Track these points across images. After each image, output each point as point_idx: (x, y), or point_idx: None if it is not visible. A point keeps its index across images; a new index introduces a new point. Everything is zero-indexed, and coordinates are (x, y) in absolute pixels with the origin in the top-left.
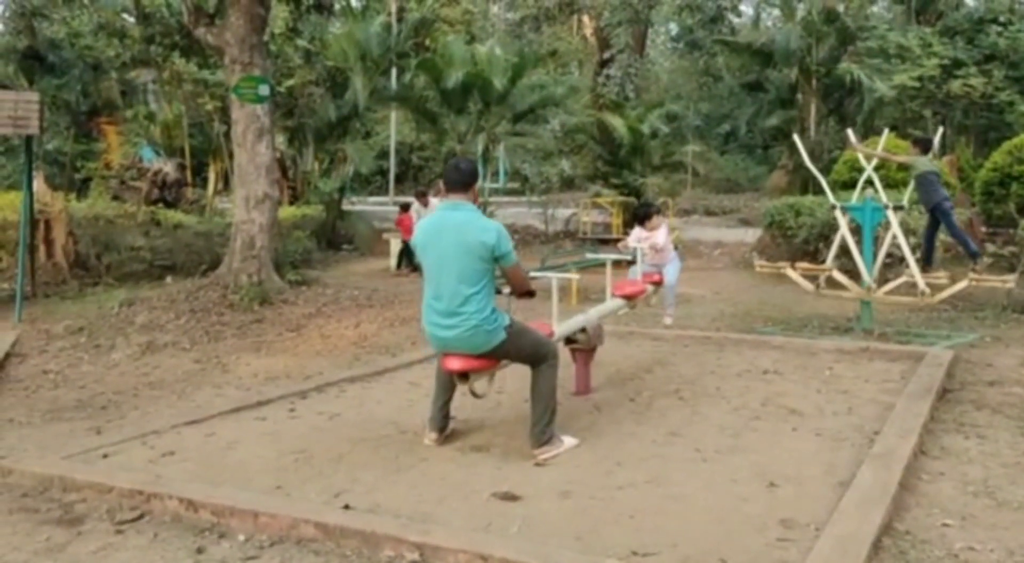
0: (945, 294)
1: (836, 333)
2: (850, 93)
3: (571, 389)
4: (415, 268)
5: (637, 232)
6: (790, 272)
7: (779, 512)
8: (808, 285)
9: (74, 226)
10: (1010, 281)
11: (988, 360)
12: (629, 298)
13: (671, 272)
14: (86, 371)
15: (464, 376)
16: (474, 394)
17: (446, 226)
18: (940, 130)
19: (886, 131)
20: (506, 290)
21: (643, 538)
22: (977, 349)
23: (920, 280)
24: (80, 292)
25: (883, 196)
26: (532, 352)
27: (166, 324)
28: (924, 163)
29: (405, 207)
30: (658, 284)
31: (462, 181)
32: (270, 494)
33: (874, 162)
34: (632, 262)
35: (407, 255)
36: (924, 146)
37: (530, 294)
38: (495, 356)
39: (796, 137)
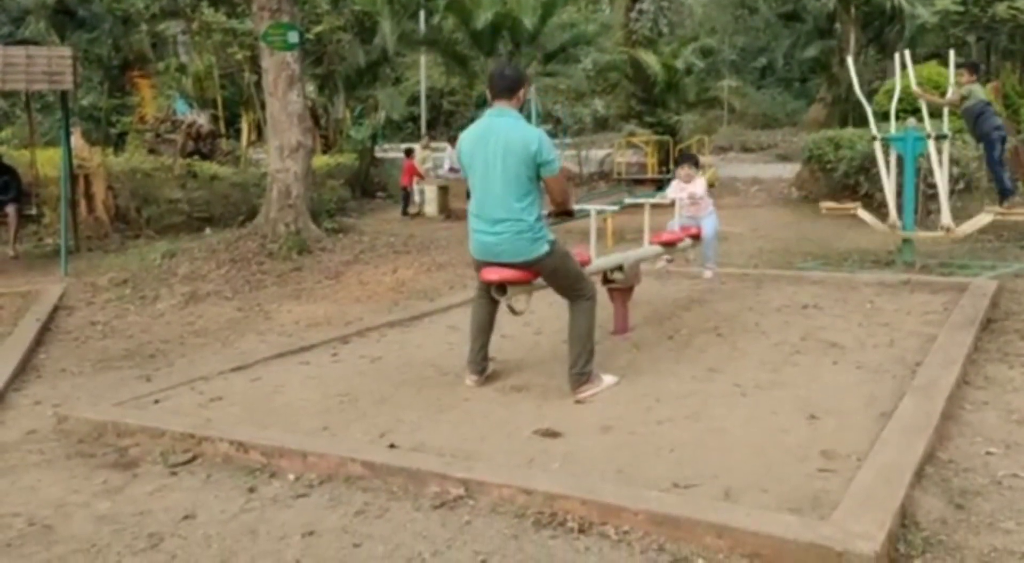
0: (967, 228)
1: (877, 267)
2: (890, 20)
3: (609, 329)
4: (409, 214)
5: (675, 184)
6: (862, 213)
7: (820, 443)
8: (881, 225)
9: (113, 180)
10: None
11: None
12: (667, 245)
13: (709, 225)
14: (133, 321)
15: (502, 289)
16: (512, 310)
17: (491, 133)
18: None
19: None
20: (544, 212)
21: (684, 470)
22: (1022, 279)
23: (946, 215)
24: (122, 245)
25: (928, 124)
26: (571, 281)
27: (207, 274)
28: (979, 92)
29: (409, 152)
30: (696, 238)
31: (508, 87)
32: (317, 435)
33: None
34: (663, 183)
35: (404, 201)
36: (976, 70)
37: (569, 214)
38: (535, 269)
39: (849, 60)
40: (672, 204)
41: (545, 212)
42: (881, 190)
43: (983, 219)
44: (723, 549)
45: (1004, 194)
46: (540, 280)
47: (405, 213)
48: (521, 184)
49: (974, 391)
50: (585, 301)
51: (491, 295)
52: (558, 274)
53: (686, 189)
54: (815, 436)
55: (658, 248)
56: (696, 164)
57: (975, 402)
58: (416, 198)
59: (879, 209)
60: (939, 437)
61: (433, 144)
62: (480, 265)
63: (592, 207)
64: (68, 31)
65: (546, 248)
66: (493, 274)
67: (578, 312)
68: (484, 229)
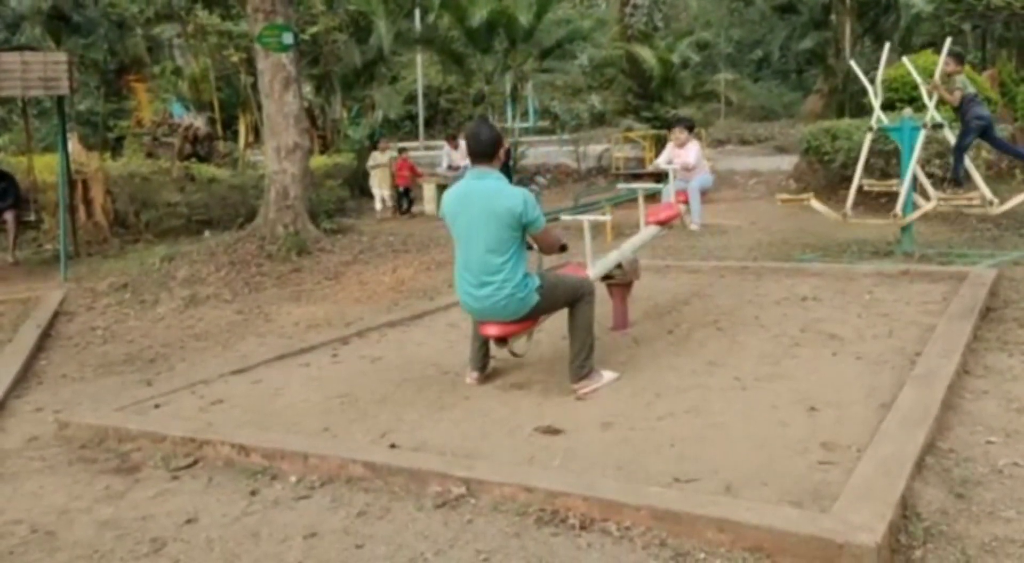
0: (914, 216)
1: (876, 257)
2: (886, 11)
3: (609, 325)
4: (404, 211)
5: (667, 152)
6: (815, 203)
7: (820, 436)
8: (833, 215)
9: (111, 185)
10: (975, 199)
11: None
12: (663, 223)
13: (696, 181)
14: (133, 326)
15: (502, 340)
16: (513, 354)
17: (473, 195)
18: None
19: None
20: (536, 247)
21: (685, 465)
22: (1021, 267)
23: (900, 204)
24: (121, 250)
25: (935, 113)
26: (569, 299)
27: (207, 277)
28: (965, 82)
29: (401, 151)
30: (688, 202)
31: (484, 152)
32: (318, 436)
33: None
34: (664, 177)
35: (399, 200)
36: (961, 59)
37: (562, 249)
38: (531, 318)
39: (853, 63)
40: (665, 175)
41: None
42: (881, 179)
43: (928, 206)
44: (725, 543)
45: (956, 182)
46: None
47: (404, 212)
48: (504, 244)
49: (974, 380)
50: (584, 301)
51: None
52: (556, 304)
53: (680, 157)
54: (815, 428)
55: (655, 229)
56: (691, 127)
57: (975, 391)
58: (383, 201)
59: (878, 199)
60: (939, 427)
61: (429, 143)
62: (476, 321)
63: (584, 218)
64: (64, 36)
65: (536, 298)
66: (492, 330)
67: (577, 310)
68: (471, 292)
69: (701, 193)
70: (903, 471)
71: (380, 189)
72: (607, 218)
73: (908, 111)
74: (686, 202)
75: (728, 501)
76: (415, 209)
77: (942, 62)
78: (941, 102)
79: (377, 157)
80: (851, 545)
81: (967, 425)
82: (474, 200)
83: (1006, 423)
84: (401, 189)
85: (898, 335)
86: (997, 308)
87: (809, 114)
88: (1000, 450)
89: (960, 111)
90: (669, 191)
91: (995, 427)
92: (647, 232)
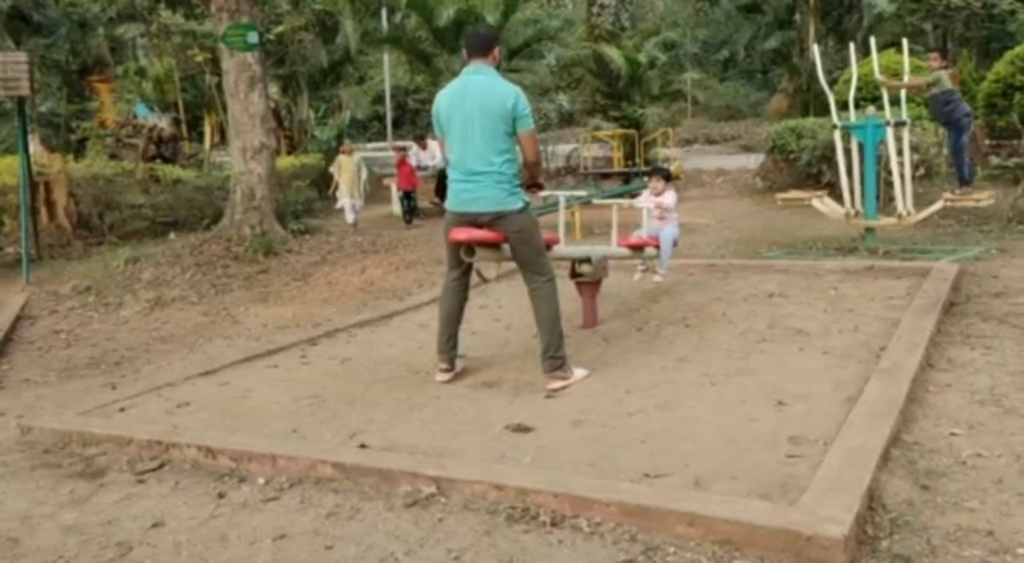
0: (921, 216)
1: (841, 254)
2: (849, 10)
3: (579, 323)
4: (409, 220)
5: (646, 195)
6: (816, 203)
7: (788, 429)
8: (839, 214)
9: (74, 187)
10: (983, 199)
11: (994, 272)
12: (633, 249)
13: (668, 232)
14: (97, 329)
15: (471, 250)
16: (481, 276)
17: (468, 90)
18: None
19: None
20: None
21: (655, 461)
22: (983, 262)
23: (900, 202)
24: (85, 252)
25: (888, 112)
26: (534, 251)
27: (172, 279)
28: (946, 80)
29: (402, 149)
30: (659, 247)
31: (482, 46)
32: (287, 438)
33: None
34: (630, 177)
35: (407, 203)
36: (946, 56)
37: (539, 186)
38: (504, 226)
39: (815, 49)
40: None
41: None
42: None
43: (935, 207)
44: (695, 537)
45: (962, 182)
46: (506, 249)
47: (409, 222)
48: (499, 139)
49: (938, 374)
50: (545, 282)
51: (460, 257)
52: (523, 238)
53: (657, 200)
54: (783, 422)
55: (624, 250)
56: (667, 178)
57: (939, 384)
58: (354, 210)
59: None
60: (904, 420)
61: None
62: (453, 223)
63: (561, 194)
64: (24, 37)
65: (520, 204)
66: (462, 234)
67: (540, 298)
68: (463, 179)
69: (672, 244)
70: (869, 463)
71: (350, 198)
72: (583, 194)
73: (872, 109)
74: (657, 246)
75: (698, 495)
76: (416, 222)
77: (908, 60)
78: (911, 99)
79: (342, 161)
80: (819, 537)
81: (931, 418)
82: (469, 93)
83: (969, 415)
84: (401, 193)
85: (863, 330)
86: (959, 303)
87: (775, 113)
88: (964, 442)
89: (943, 112)
90: (642, 233)
91: (959, 419)
92: (617, 250)
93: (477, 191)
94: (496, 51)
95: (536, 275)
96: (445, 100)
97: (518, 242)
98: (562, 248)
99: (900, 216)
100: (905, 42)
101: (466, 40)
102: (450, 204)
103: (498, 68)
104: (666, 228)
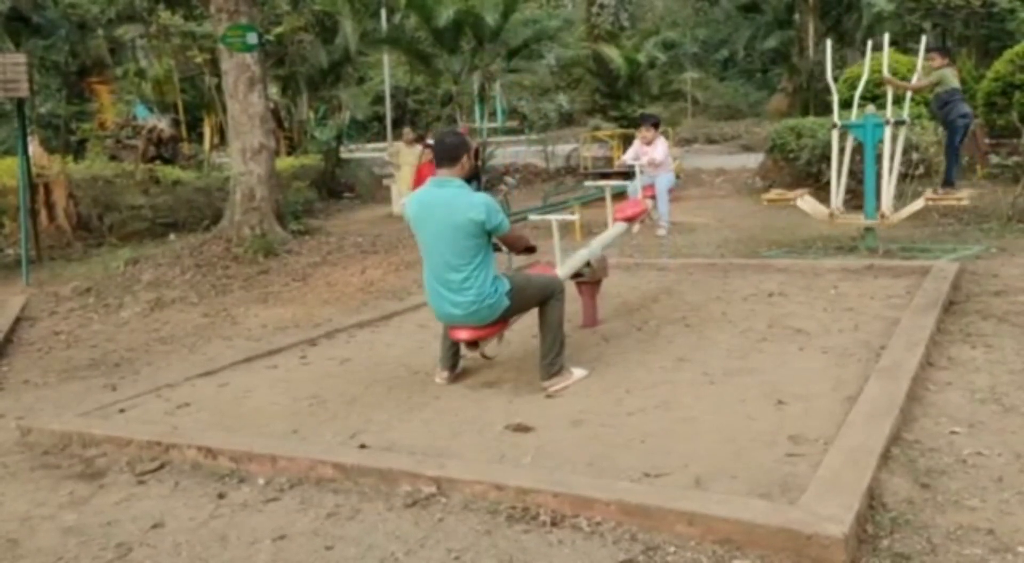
0: (902, 215)
1: (840, 253)
2: (848, 9)
3: (579, 322)
4: None
5: (635, 148)
6: (801, 203)
7: (788, 429)
8: (822, 213)
9: (74, 188)
10: (964, 199)
11: (994, 271)
12: (630, 220)
13: (661, 181)
14: (97, 330)
15: (473, 344)
16: (484, 356)
17: (435, 204)
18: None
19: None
20: (505, 248)
21: (655, 460)
22: (983, 260)
23: (886, 201)
24: (85, 253)
25: (890, 111)
26: (539, 299)
27: (172, 280)
28: (950, 78)
29: (423, 141)
30: (655, 197)
31: (448, 156)
32: (287, 438)
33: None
34: (631, 175)
35: None
36: (947, 54)
37: (529, 250)
38: (502, 321)
39: (828, 44)
40: (632, 173)
41: (507, 249)
42: (844, 178)
43: (916, 205)
44: (695, 536)
45: (946, 182)
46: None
47: None
48: (468, 252)
49: (938, 372)
50: (555, 299)
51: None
52: (526, 305)
53: (647, 154)
54: (783, 421)
55: (623, 226)
56: (657, 125)
57: (939, 383)
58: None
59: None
60: (904, 418)
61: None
62: (446, 325)
63: (553, 218)
64: (23, 38)
65: (506, 302)
66: (463, 334)
67: (548, 307)
68: (440, 299)
69: (668, 192)
70: (870, 462)
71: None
72: (575, 218)
73: (871, 108)
74: (653, 197)
75: (698, 494)
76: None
77: (921, 57)
78: (914, 98)
79: (403, 151)
80: (819, 536)
81: (932, 416)
82: (435, 210)
83: (970, 414)
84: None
85: (863, 329)
86: (959, 301)
87: (774, 112)
88: (964, 440)
89: (942, 111)
90: (636, 187)
91: (959, 418)
92: (615, 229)
93: (462, 316)
94: (464, 160)
95: (548, 301)
96: (413, 209)
97: (522, 310)
98: (560, 270)
99: (883, 215)
100: (887, 39)
101: (435, 147)
102: (437, 316)
103: (468, 181)
104: (660, 176)
